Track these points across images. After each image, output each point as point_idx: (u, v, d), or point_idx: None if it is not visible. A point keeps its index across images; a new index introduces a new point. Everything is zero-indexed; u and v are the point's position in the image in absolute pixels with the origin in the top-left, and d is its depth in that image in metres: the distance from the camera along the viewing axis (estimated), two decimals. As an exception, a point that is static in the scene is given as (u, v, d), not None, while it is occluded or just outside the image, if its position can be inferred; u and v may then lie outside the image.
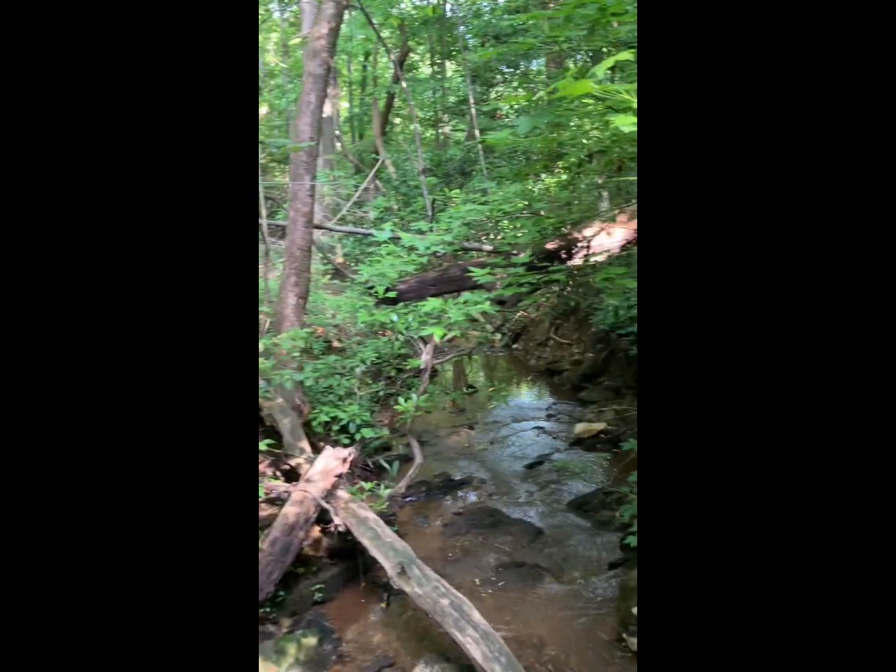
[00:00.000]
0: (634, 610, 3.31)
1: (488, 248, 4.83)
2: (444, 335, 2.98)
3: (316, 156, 4.62)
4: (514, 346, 11.07)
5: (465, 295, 3.34)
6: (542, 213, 4.51)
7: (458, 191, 5.92)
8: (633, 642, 3.21)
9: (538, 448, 6.40)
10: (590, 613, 3.64)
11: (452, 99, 14.30)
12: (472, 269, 3.57)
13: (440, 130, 16.53)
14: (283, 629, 3.47)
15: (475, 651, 2.77)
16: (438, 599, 3.02)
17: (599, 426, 6.55)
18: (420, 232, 4.27)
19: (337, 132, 16.57)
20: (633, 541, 3.69)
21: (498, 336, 10.43)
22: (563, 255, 4.62)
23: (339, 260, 10.70)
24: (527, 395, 8.66)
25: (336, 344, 7.77)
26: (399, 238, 4.10)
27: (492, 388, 8.78)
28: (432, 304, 3.19)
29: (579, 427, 6.63)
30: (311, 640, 3.33)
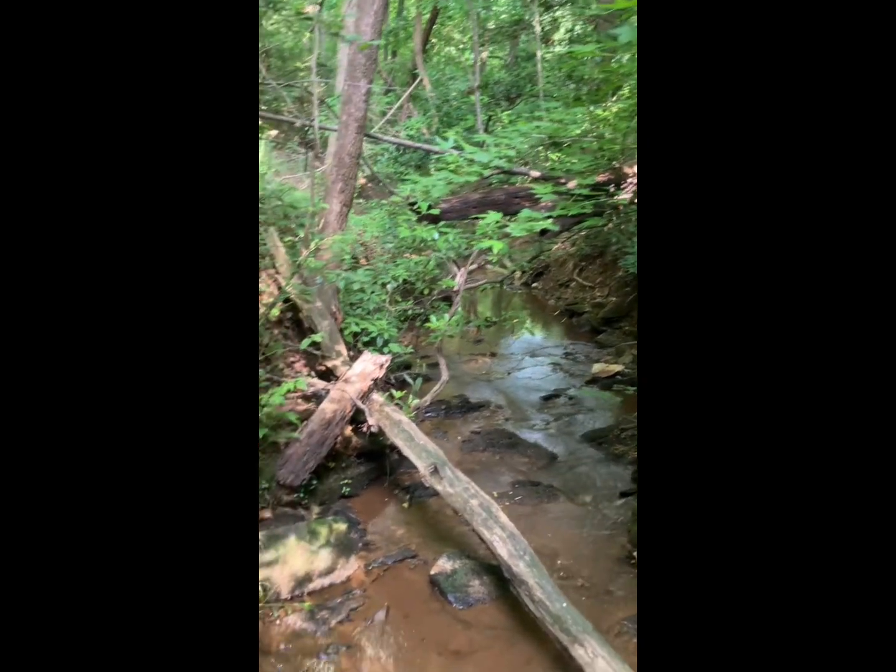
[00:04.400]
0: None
1: (536, 173, 4.78)
2: (505, 250, 2.99)
3: (374, 59, 4.52)
4: (534, 284, 11.08)
5: (526, 212, 3.34)
6: (597, 141, 4.44)
7: (508, 112, 5.78)
8: (643, 560, 3.40)
9: (554, 382, 6.53)
10: (601, 533, 3.83)
11: (503, 17, 13.68)
12: (533, 187, 3.56)
13: (481, 54, 15.92)
14: (313, 514, 3.68)
15: (501, 548, 2.94)
16: (468, 499, 3.18)
17: (617, 367, 6.65)
18: (478, 145, 4.22)
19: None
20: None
21: (521, 272, 10.41)
22: (612, 189, 4.59)
23: (362, 180, 10.60)
24: (544, 334, 8.75)
25: (363, 262, 7.81)
26: (460, 150, 4.05)
27: (510, 322, 8.86)
28: (492, 217, 3.20)
29: (596, 367, 6.74)
30: (340, 527, 3.52)
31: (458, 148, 4.15)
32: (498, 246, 3.03)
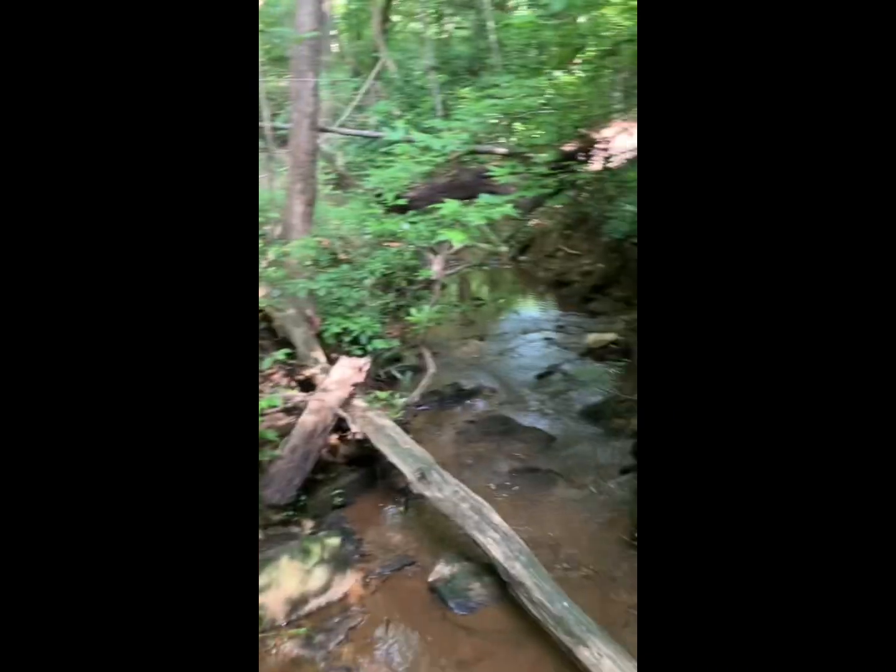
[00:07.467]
0: (649, 512, 3.39)
1: (502, 150, 4.59)
2: (464, 241, 2.84)
3: (319, 51, 4.31)
4: (522, 258, 10.86)
5: (485, 197, 3.17)
6: (561, 110, 4.24)
7: (468, 89, 5.60)
8: (647, 541, 3.31)
9: (548, 359, 6.39)
10: (604, 515, 3.73)
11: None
12: (491, 169, 3.39)
13: (443, 27, 15.48)
14: (305, 531, 3.57)
15: (496, 551, 2.84)
16: (458, 503, 3.07)
17: (610, 336, 6.51)
18: (433, 131, 4.03)
19: (332, 31, 15.54)
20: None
21: (505, 248, 10.23)
22: (581, 158, 4.40)
23: (340, 170, 10.34)
24: (535, 308, 8.58)
25: (342, 256, 7.62)
26: (412, 139, 3.87)
27: (499, 301, 8.69)
28: (450, 206, 3.04)
29: (590, 338, 6.59)
30: (334, 541, 3.42)
31: (409, 139, 3.96)
32: (458, 237, 2.88)
